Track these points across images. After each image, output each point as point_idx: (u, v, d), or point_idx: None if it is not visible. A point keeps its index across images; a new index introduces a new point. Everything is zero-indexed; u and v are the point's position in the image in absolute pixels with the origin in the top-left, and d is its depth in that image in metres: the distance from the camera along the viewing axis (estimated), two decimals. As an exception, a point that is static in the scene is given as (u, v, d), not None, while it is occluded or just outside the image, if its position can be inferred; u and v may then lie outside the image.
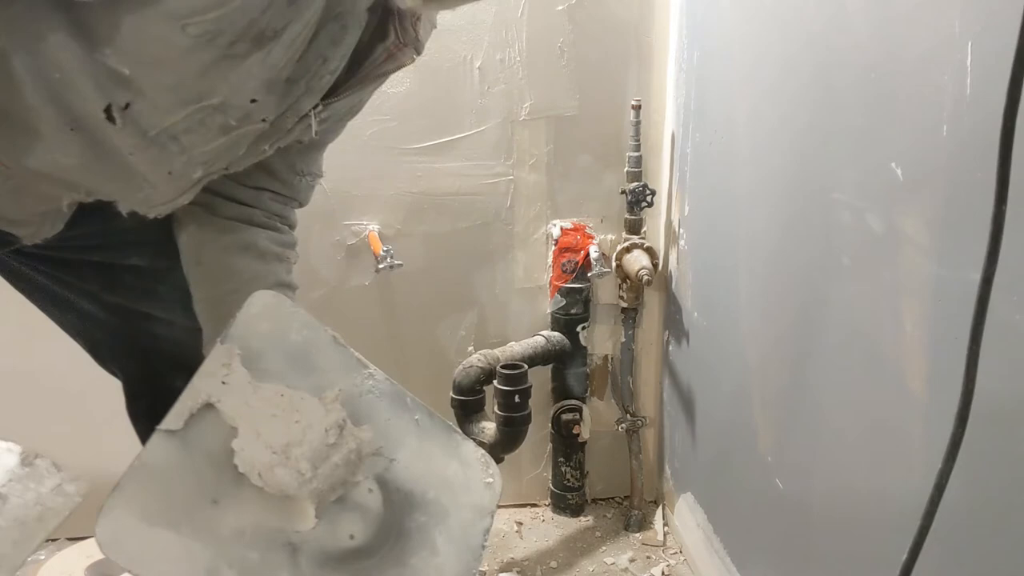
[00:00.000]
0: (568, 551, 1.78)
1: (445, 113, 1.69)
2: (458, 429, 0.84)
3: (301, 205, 0.99)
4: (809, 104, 1.11)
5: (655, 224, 1.81)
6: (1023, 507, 0.74)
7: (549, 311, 1.82)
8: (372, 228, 1.72)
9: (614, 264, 1.78)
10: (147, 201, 0.80)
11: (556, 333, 1.80)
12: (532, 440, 1.75)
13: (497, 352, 1.71)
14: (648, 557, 1.75)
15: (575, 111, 1.73)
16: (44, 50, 0.63)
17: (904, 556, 0.67)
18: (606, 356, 1.90)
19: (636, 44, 1.72)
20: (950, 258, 0.82)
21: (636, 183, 1.70)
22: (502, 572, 1.69)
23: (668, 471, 1.87)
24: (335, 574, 0.71)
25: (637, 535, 1.83)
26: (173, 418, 0.69)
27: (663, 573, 1.68)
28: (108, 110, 0.67)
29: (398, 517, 0.76)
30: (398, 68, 0.84)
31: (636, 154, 1.70)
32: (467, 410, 1.66)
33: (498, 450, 1.65)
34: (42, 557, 1.59)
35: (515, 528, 1.86)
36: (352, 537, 0.73)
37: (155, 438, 0.69)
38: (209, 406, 0.70)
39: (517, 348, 1.74)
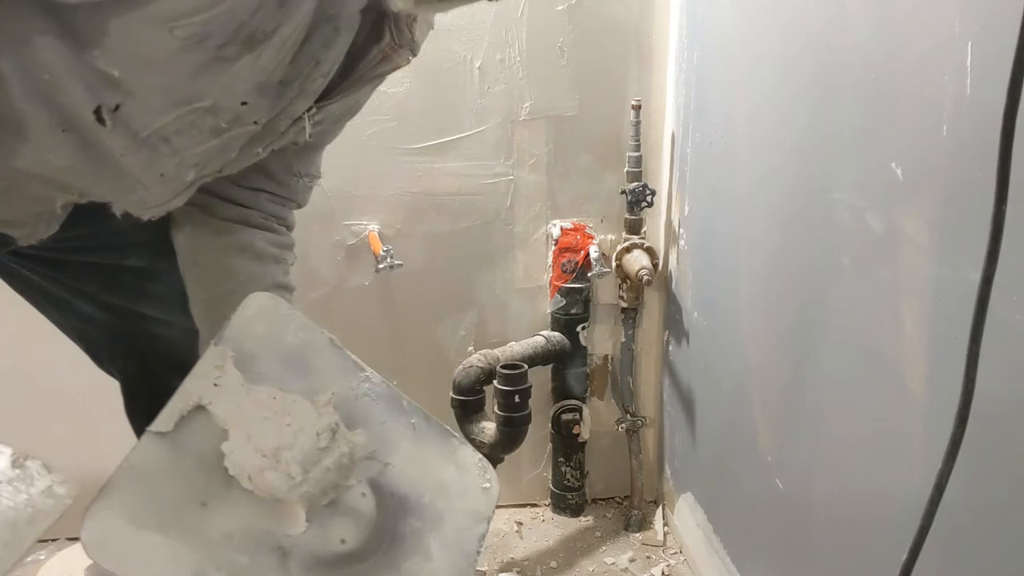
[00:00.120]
0: (568, 551, 1.78)
1: (445, 113, 1.69)
2: (455, 433, 0.83)
3: (299, 206, 0.99)
4: (809, 104, 1.11)
5: (655, 224, 1.81)
6: (1023, 507, 0.74)
7: (549, 311, 1.82)
8: (372, 228, 1.72)
9: (614, 264, 1.78)
10: (141, 203, 0.80)
11: (556, 333, 1.80)
12: (532, 440, 1.75)
13: (497, 352, 1.71)
14: (648, 557, 1.75)
15: (575, 111, 1.73)
16: (32, 52, 0.63)
17: (904, 556, 0.67)
18: (606, 356, 1.90)
19: (636, 44, 1.72)
20: (950, 258, 0.82)
21: (636, 183, 1.70)
22: (502, 572, 1.69)
23: (668, 471, 1.87)
24: None
25: (637, 535, 1.83)
26: (163, 420, 0.69)
27: (663, 573, 1.68)
28: (98, 111, 0.67)
29: (392, 521, 0.75)
30: (393, 69, 0.83)
31: (636, 154, 1.70)
32: (467, 410, 1.66)
33: (498, 450, 1.65)
34: (42, 557, 1.59)
35: (515, 528, 1.86)
36: (344, 541, 0.72)
37: (144, 439, 0.68)
38: (201, 408, 0.70)
39: (517, 348, 1.74)
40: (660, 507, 1.90)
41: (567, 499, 1.91)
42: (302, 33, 0.70)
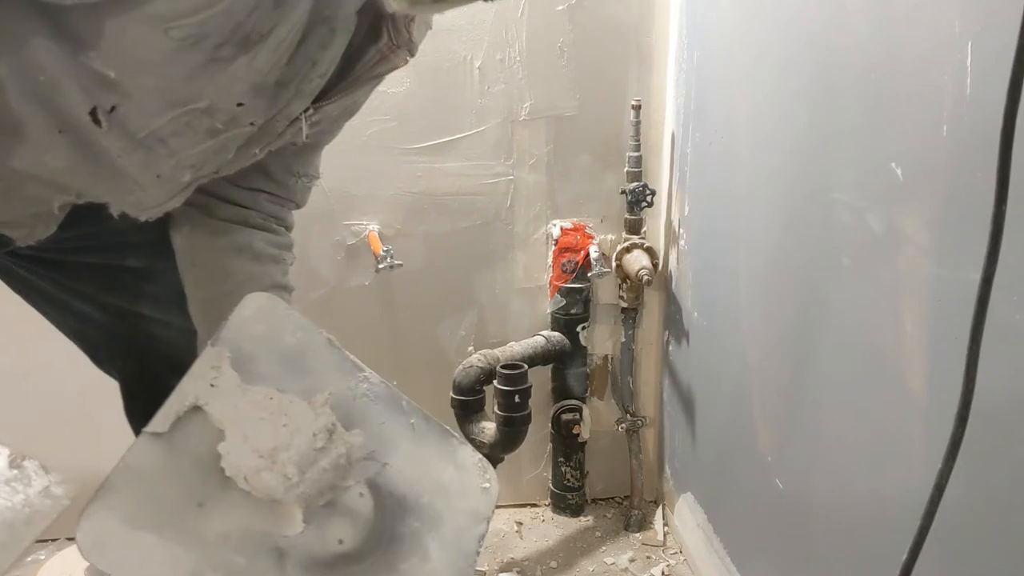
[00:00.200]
0: (568, 551, 1.78)
1: (445, 113, 1.69)
2: (455, 433, 0.83)
3: (298, 206, 0.99)
4: (809, 104, 1.11)
5: (655, 224, 1.81)
6: (1023, 507, 0.74)
7: (549, 311, 1.82)
8: (372, 228, 1.72)
9: (614, 264, 1.78)
10: (138, 204, 0.80)
11: (556, 333, 1.80)
12: (532, 440, 1.75)
13: (497, 352, 1.71)
14: (648, 557, 1.75)
15: (575, 111, 1.73)
16: (28, 54, 0.63)
17: (904, 556, 0.67)
18: (606, 356, 1.90)
19: (636, 44, 1.72)
20: (950, 258, 0.82)
21: (636, 183, 1.70)
22: (502, 572, 1.69)
23: (668, 471, 1.87)
24: None
25: (637, 535, 1.83)
26: (159, 420, 0.69)
27: (663, 573, 1.68)
28: (93, 113, 0.67)
29: (390, 522, 0.75)
30: (391, 70, 0.83)
31: (636, 154, 1.70)
32: (467, 410, 1.66)
33: (498, 450, 1.65)
34: (42, 557, 1.60)
35: (515, 528, 1.86)
36: (341, 542, 0.72)
37: (140, 440, 0.68)
38: (197, 409, 0.70)
39: (517, 348, 1.74)
40: (660, 507, 1.90)
41: (567, 499, 1.91)
42: (298, 34, 0.70)
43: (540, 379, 1.81)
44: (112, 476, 0.66)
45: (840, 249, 1.03)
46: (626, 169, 1.72)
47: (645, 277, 1.66)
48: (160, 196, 0.80)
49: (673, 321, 1.76)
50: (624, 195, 1.72)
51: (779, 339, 1.24)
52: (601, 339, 1.88)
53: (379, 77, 0.84)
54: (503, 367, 1.63)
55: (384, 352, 1.79)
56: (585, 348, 1.84)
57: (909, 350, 0.90)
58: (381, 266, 1.67)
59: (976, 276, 0.59)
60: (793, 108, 1.16)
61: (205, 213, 0.91)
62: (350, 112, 0.91)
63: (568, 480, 1.89)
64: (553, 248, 1.78)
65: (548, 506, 1.95)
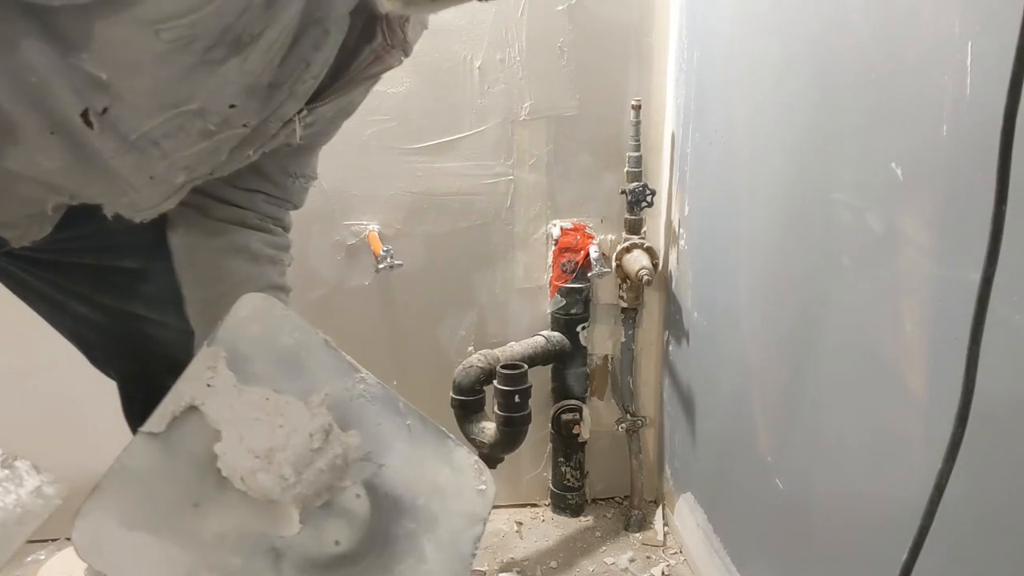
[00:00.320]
0: (568, 551, 1.78)
1: (445, 113, 1.69)
2: (451, 435, 0.82)
3: (295, 207, 0.99)
4: (809, 104, 1.11)
5: (655, 224, 1.81)
6: (1023, 507, 0.74)
7: (549, 311, 1.82)
8: (372, 228, 1.72)
9: (614, 264, 1.78)
10: (132, 206, 0.80)
11: (556, 333, 1.80)
12: (532, 440, 1.75)
13: (497, 352, 1.71)
14: (648, 557, 1.75)
15: (575, 111, 1.73)
16: (19, 55, 0.63)
17: (904, 556, 0.67)
18: (606, 356, 1.90)
19: (636, 44, 1.72)
20: (950, 258, 0.82)
21: (636, 183, 1.70)
22: (502, 572, 1.69)
23: (668, 471, 1.87)
24: None
25: (637, 535, 1.83)
26: (155, 420, 0.69)
27: (663, 573, 1.68)
28: (85, 114, 0.67)
29: (386, 523, 0.75)
30: (386, 70, 0.83)
31: (636, 154, 1.70)
32: (467, 410, 1.66)
33: (498, 450, 1.65)
34: (42, 557, 1.59)
35: (515, 528, 1.86)
36: (337, 543, 0.72)
37: (136, 440, 0.68)
38: (193, 409, 0.70)
39: (517, 348, 1.74)
40: (660, 507, 1.90)
41: (567, 499, 1.91)
42: (290, 35, 0.70)
43: (540, 379, 1.81)
44: (108, 476, 0.66)
45: (840, 249, 1.03)
46: (626, 169, 1.72)
47: (645, 277, 1.66)
48: (154, 198, 0.80)
49: (673, 321, 1.76)
50: (624, 195, 1.72)
51: (779, 339, 1.24)
52: (601, 339, 1.88)
53: (374, 77, 0.84)
54: (503, 367, 1.63)
55: (384, 352, 1.79)
56: (585, 348, 1.84)
57: (909, 350, 0.90)
58: (381, 266, 1.67)
59: (976, 276, 0.59)
60: (793, 108, 1.16)
61: (202, 214, 0.91)
62: (346, 113, 0.91)
63: (568, 480, 1.89)
64: (553, 248, 1.78)
65: (548, 506, 1.95)
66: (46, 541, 1.63)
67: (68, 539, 1.68)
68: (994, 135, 0.57)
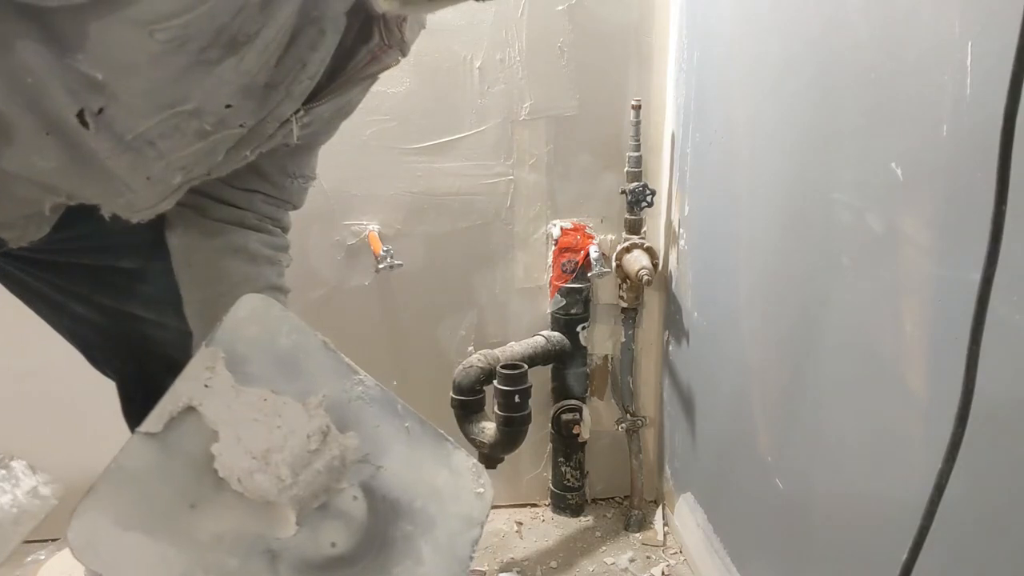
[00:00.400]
0: (568, 551, 1.78)
1: (445, 113, 1.69)
2: (449, 437, 0.82)
3: (295, 207, 0.99)
4: (809, 104, 1.11)
5: (655, 224, 1.81)
6: (1023, 507, 0.74)
7: (549, 311, 1.82)
8: (372, 228, 1.72)
9: (614, 264, 1.78)
10: (129, 206, 0.79)
11: (556, 333, 1.80)
12: (532, 440, 1.75)
13: (497, 352, 1.71)
14: (648, 557, 1.75)
15: (575, 111, 1.73)
16: (14, 56, 0.63)
17: (904, 556, 0.67)
18: (606, 356, 1.90)
19: (636, 44, 1.72)
20: (950, 258, 0.82)
21: (636, 183, 1.70)
22: (502, 572, 1.69)
23: (668, 471, 1.87)
24: None
25: (637, 535, 1.83)
26: (152, 421, 0.69)
27: (663, 573, 1.68)
28: (81, 115, 0.67)
29: (383, 526, 0.75)
30: (383, 70, 0.83)
31: (636, 154, 1.70)
32: (467, 410, 1.66)
33: (498, 450, 1.65)
34: (42, 557, 1.59)
35: (515, 528, 1.86)
36: (334, 545, 0.72)
37: (133, 440, 0.68)
38: (191, 409, 0.70)
39: (517, 348, 1.74)
40: (660, 507, 1.90)
41: (567, 499, 1.91)
42: (286, 35, 0.70)
43: (540, 379, 1.81)
44: (104, 476, 0.66)
45: (840, 249, 1.03)
46: (626, 169, 1.71)
47: (645, 277, 1.66)
48: (151, 198, 0.80)
49: (673, 321, 1.76)
50: (624, 195, 1.72)
51: (779, 339, 1.24)
52: (601, 339, 1.88)
53: (371, 77, 0.84)
54: (503, 367, 1.63)
55: (384, 352, 1.79)
56: (585, 348, 1.84)
57: (909, 350, 0.90)
58: (381, 266, 1.67)
59: (976, 276, 0.59)
60: (793, 108, 1.16)
61: (200, 214, 0.91)
62: (344, 112, 0.90)
63: (568, 480, 1.89)
64: (553, 248, 1.78)
65: (548, 506, 1.95)
66: (46, 541, 1.63)
67: (68, 539, 1.67)
68: (994, 135, 0.57)
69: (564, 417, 1.82)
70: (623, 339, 1.85)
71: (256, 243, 0.93)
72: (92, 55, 0.63)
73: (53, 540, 1.62)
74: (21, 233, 0.84)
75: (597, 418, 1.90)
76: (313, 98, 0.79)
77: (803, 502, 1.18)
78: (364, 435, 0.76)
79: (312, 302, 1.72)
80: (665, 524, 1.84)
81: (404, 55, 0.82)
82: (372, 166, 1.69)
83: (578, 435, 1.82)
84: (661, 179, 1.77)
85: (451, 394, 1.66)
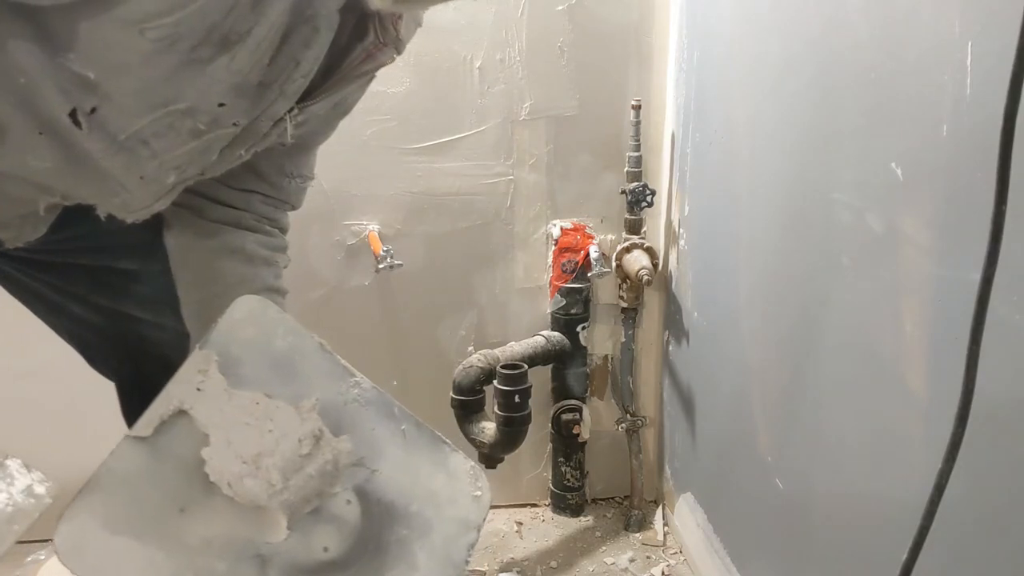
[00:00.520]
0: (568, 551, 1.78)
1: (445, 113, 1.69)
2: (447, 440, 0.81)
3: (293, 208, 0.99)
4: (809, 104, 1.11)
5: (655, 224, 1.81)
6: (1023, 507, 0.74)
7: (549, 311, 1.82)
8: (372, 228, 1.72)
9: (614, 264, 1.78)
10: (124, 206, 0.79)
11: (556, 333, 1.80)
12: (532, 440, 1.75)
13: (497, 352, 1.71)
14: (648, 557, 1.75)
15: (575, 111, 1.73)
16: (6, 56, 0.63)
17: (904, 556, 0.67)
18: (606, 356, 1.90)
19: (636, 44, 1.72)
20: (950, 258, 0.82)
21: (636, 183, 1.70)
22: (502, 572, 1.69)
23: (668, 471, 1.87)
24: None
25: (637, 535, 1.83)
26: (143, 424, 0.68)
27: (663, 573, 1.68)
28: (73, 114, 0.67)
29: (377, 530, 0.74)
30: (378, 68, 0.82)
31: (636, 154, 1.70)
32: (467, 410, 1.66)
33: (498, 450, 1.65)
34: (42, 557, 1.59)
35: (515, 528, 1.86)
36: (326, 550, 0.71)
37: (123, 444, 0.68)
38: (183, 413, 0.69)
39: (517, 348, 1.74)
40: (660, 507, 1.90)
41: (567, 499, 1.91)
42: (279, 34, 0.70)
43: (540, 379, 1.81)
44: (93, 480, 0.65)
45: (840, 249, 1.03)
46: (626, 169, 1.71)
47: (645, 277, 1.66)
48: (146, 198, 0.80)
49: (673, 321, 1.76)
50: (624, 195, 1.72)
51: (779, 339, 1.24)
52: (601, 339, 1.88)
53: (366, 75, 0.83)
54: (503, 367, 1.63)
55: (384, 352, 1.79)
56: (585, 348, 1.84)
57: (909, 350, 0.90)
58: (381, 266, 1.67)
59: (976, 276, 0.59)
60: (793, 108, 1.16)
61: (197, 215, 0.91)
62: (342, 111, 0.90)
63: (568, 480, 1.89)
64: (553, 248, 1.78)
65: (548, 506, 1.95)
66: (46, 541, 1.63)
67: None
68: (994, 135, 0.57)
69: (564, 417, 1.82)
70: (623, 339, 1.85)
71: (253, 244, 0.92)
72: (83, 54, 0.63)
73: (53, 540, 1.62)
74: (17, 233, 0.84)
75: (597, 418, 1.90)
76: (307, 96, 0.79)
77: (803, 502, 1.18)
78: (359, 438, 0.75)
79: (312, 302, 1.72)
80: (665, 524, 1.84)
81: (399, 53, 0.82)
82: (372, 166, 1.69)
83: (578, 435, 1.82)
84: (661, 179, 1.77)
85: (451, 394, 1.66)
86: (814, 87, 1.09)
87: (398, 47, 0.81)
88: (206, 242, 0.91)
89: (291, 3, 0.68)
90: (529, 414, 1.63)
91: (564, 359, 1.81)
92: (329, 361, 0.78)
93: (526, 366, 1.64)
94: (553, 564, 1.73)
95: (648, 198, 1.71)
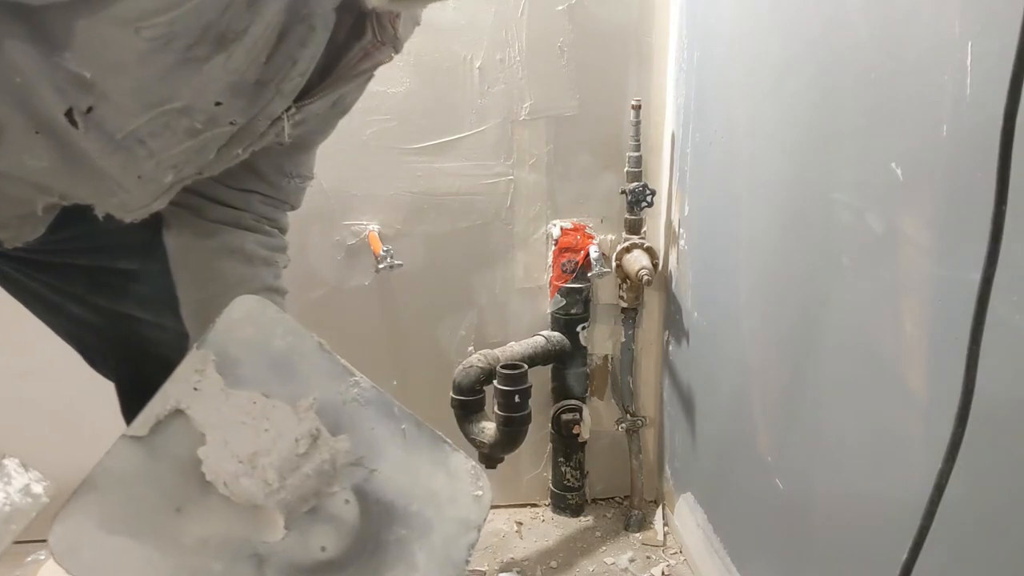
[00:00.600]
0: (568, 551, 1.78)
1: (445, 113, 1.69)
2: (447, 439, 0.81)
3: (292, 208, 0.98)
4: (809, 104, 1.11)
5: (655, 224, 1.81)
6: (1023, 507, 0.74)
7: (549, 311, 1.82)
8: (372, 228, 1.72)
9: (614, 264, 1.78)
10: (122, 206, 0.79)
11: (556, 333, 1.80)
12: (532, 440, 1.75)
13: (497, 352, 1.71)
14: (648, 557, 1.75)
15: (575, 111, 1.73)
16: (2, 55, 0.63)
17: (904, 556, 0.67)
18: (606, 356, 1.90)
19: (636, 44, 1.72)
20: (950, 258, 0.82)
21: (636, 183, 1.70)
22: (502, 572, 1.69)
23: (668, 471, 1.87)
24: None
25: (637, 535, 1.83)
26: (139, 424, 0.68)
27: (663, 573, 1.68)
28: (69, 114, 0.67)
29: (376, 529, 0.74)
30: (375, 67, 0.82)
31: (636, 154, 1.70)
32: (467, 410, 1.66)
33: (498, 450, 1.65)
34: (42, 557, 1.59)
35: (515, 528, 1.86)
36: (324, 549, 0.71)
37: (119, 444, 0.67)
38: (179, 412, 0.69)
39: (517, 348, 1.74)
40: (660, 507, 1.90)
41: (567, 499, 1.91)
42: (275, 32, 0.69)
43: (540, 379, 1.81)
44: (88, 479, 0.65)
45: (840, 249, 1.03)
46: (626, 169, 1.71)
47: (645, 277, 1.66)
48: (143, 198, 0.79)
49: (673, 321, 1.76)
50: (624, 195, 1.72)
51: (779, 339, 1.24)
52: (601, 339, 1.88)
53: (364, 74, 0.83)
54: (503, 367, 1.63)
55: (384, 352, 1.79)
56: (585, 348, 1.84)
57: (909, 350, 0.90)
58: (381, 266, 1.67)
59: (976, 276, 0.59)
60: (793, 108, 1.16)
61: (197, 215, 0.91)
62: (341, 111, 0.90)
63: (568, 480, 1.89)
64: (553, 248, 1.78)
65: (548, 506, 1.94)
66: (46, 541, 1.63)
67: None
68: (994, 135, 0.57)
69: (564, 417, 1.82)
70: (623, 339, 1.85)
71: (253, 244, 0.92)
72: (79, 54, 0.63)
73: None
74: (16, 233, 0.84)
75: (597, 418, 1.90)
76: (305, 95, 0.79)
77: (803, 502, 1.18)
78: (358, 438, 0.75)
79: (312, 302, 1.72)
80: (665, 524, 1.84)
81: (397, 51, 0.82)
82: (372, 166, 1.69)
83: (578, 435, 1.82)
84: (661, 179, 1.77)
85: (451, 394, 1.66)
86: (814, 87, 1.09)
87: (396, 46, 0.81)
88: (205, 242, 0.91)
89: (287, 2, 0.68)
90: (529, 414, 1.63)
91: (564, 359, 1.81)
92: (328, 361, 0.78)
93: (526, 366, 1.64)
94: (553, 564, 1.73)
95: (648, 198, 1.71)
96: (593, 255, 1.75)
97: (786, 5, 1.17)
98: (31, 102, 0.66)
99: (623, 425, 1.86)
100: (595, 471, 1.94)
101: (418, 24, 0.86)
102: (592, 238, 1.78)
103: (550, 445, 1.91)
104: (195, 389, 0.70)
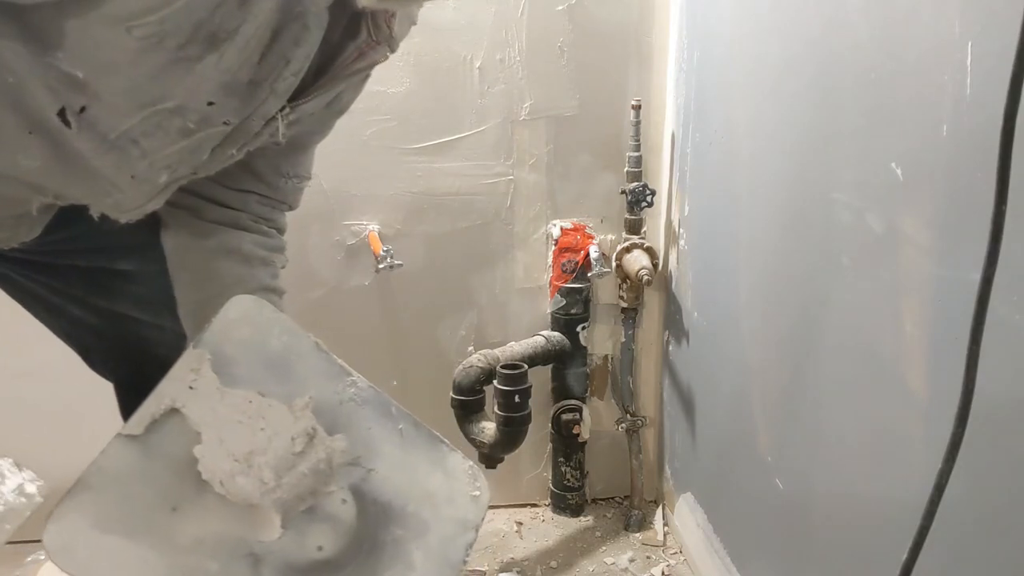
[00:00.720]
0: (568, 551, 1.78)
1: (445, 113, 1.69)
2: (445, 439, 0.81)
3: (290, 208, 0.98)
4: (809, 104, 1.11)
5: (655, 224, 1.81)
6: (1023, 507, 0.74)
7: (549, 311, 1.82)
8: (372, 228, 1.72)
9: (614, 264, 1.78)
10: (117, 206, 0.79)
11: (556, 333, 1.80)
12: (532, 440, 1.75)
13: (497, 352, 1.71)
14: (648, 557, 1.75)
15: (575, 111, 1.73)
16: None
17: (904, 556, 0.67)
18: (606, 356, 1.90)
19: (636, 44, 1.72)
20: (950, 258, 0.82)
21: (636, 183, 1.70)
22: (502, 572, 1.69)
23: (668, 471, 1.87)
24: None
25: (637, 535, 1.83)
26: (134, 423, 0.68)
27: (663, 573, 1.68)
28: (62, 114, 0.67)
29: (373, 529, 0.74)
30: (371, 66, 0.82)
31: (636, 154, 1.70)
32: (467, 410, 1.66)
33: (498, 450, 1.65)
34: (42, 557, 1.59)
35: (515, 528, 1.86)
36: (320, 549, 0.71)
37: (114, 443, 0.67)
38: (175, 411, 0.69)
39: (517, 348, 1.74)
40: (660, 507, 1.89)
41: (567, 499, 1.91)
42: (268, 32, 0.69)
43: (540, 379, 1.81)
44: (83, 478, 0.65)
45: (840, 249, 1.03)
46: (626, 169, 1.71)
47: (645, 277, 1.66)
48: (138, 198, 0.79)
49: (673, 321, 1.76)
50: (624, 195, 1.72)
51: (779, 339, 1.24)
52: (601, 339, 1.88)
53: (359, 74, 0.83)
54: (503, 367, 1.63)
55: (384, 352, 1.79)
56: (585, 348, 1.84)
57: (909, 350, 0.90)
58: (381, 266, 1.67)
59: (976, 276, 0.59)
60: (793, 108, 1.16)
61: (194, 215, 0.91)
62: (338, 111, 0.90)
63: (568, 480, 1.89)
64: (553, 248, 1.78)
65: (548, 506, 1.94)
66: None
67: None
68: (994, 135, 0.57)
69: (564, 417, 1.82)
70: (623, 339, 1.85)
71: (250, 244, 0.92)
72: (71, 53, 0.63)
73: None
74: (12, 234, 0.83)
75: (597, 418, 1.90)
76: (299, 95, 0.79)
77: (803, 502, 1.18)
78: (355, 437, 0.75)
79: (312, 302, 1.72)
80: (665, 524, 1.84)
81: (393, 51, 0.81)
82: (372, 166, 1.69)
83: (578, 435, 1.82)
84: (661, 179, 1.77)
85: (451, 394, 1.66)
86: (814, 87, 1.09)
87: (391, 45, 0.80)
88: (203, 242, 0.91)
89: (280, 1, 0.68)
90: (529, 414, 1.63)
91: (564, 359, 1.81)
92: (325, 360, 0.78)
93: (526, 366, 1.64)
94: (553, 564, 1.73)
95: (648, 198, 1.71)
96: (593, 255, 1.75)
97: (786, 5, 1.17)
98: (24, 102, 0.66)
99: (623, 425, 1.86)
100: (595, 471, 1.94)
101: (414, 23, 0.85)
102: (592, 238, 1.78)
103: (550, 445, 1.91)
104: (191, 388, 0.70)
